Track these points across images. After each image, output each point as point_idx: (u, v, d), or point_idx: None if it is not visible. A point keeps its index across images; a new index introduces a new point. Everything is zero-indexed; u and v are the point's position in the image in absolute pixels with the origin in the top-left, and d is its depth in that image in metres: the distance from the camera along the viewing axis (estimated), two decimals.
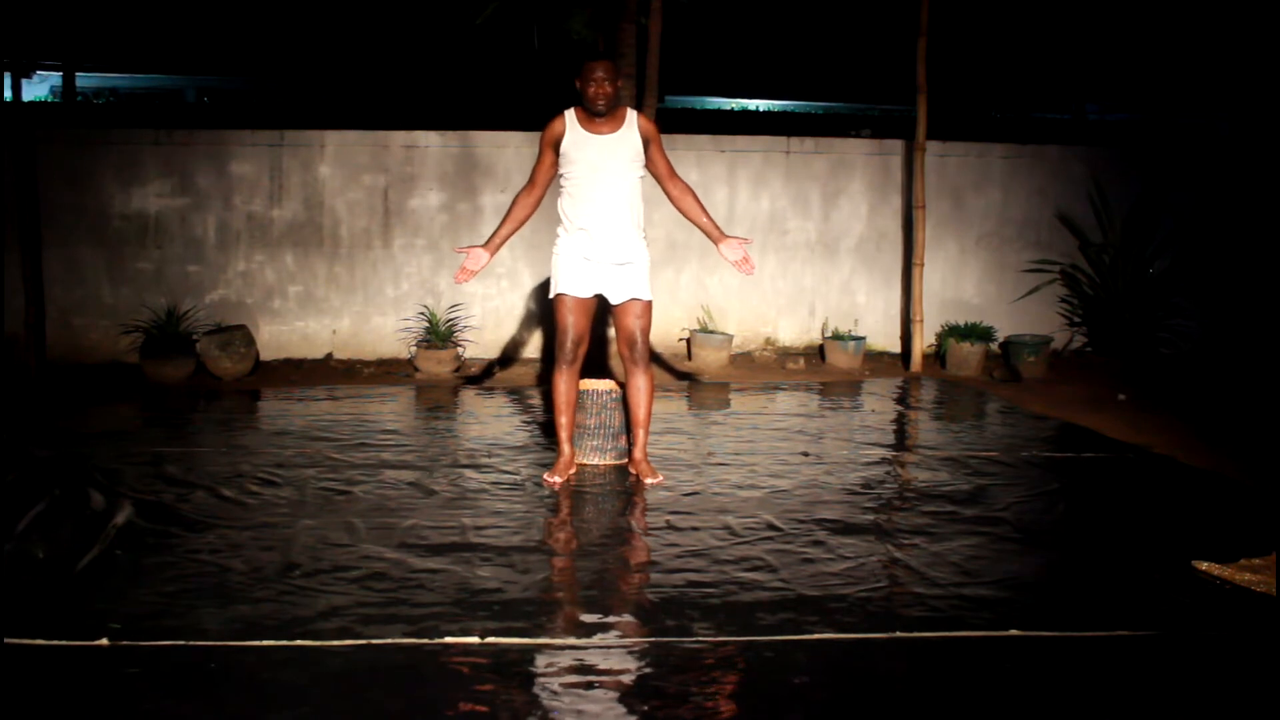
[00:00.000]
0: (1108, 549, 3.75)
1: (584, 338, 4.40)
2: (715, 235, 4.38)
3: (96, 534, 3.63)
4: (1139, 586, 3.39)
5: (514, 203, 4.40)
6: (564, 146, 4.26)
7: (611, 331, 6.76)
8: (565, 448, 4.51)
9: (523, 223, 4.42)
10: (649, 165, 4.36)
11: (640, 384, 4.42)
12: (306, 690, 2.61)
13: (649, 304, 4.38)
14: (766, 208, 7.64)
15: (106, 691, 2.60)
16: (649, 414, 4.48)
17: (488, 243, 4.38)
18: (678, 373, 7.08)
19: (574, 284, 4.32)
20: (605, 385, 4.80)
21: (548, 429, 5.34)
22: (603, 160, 4.25)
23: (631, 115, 4.32)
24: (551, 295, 4.41)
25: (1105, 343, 7.66)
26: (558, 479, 4.42)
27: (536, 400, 6.14)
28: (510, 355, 7.39)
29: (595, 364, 6.79)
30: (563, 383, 4.41)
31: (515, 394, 6.32)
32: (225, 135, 7.18)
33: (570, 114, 4.31)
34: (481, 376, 6.93)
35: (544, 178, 4.36)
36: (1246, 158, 8.02)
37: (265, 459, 4.72)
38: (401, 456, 4.83)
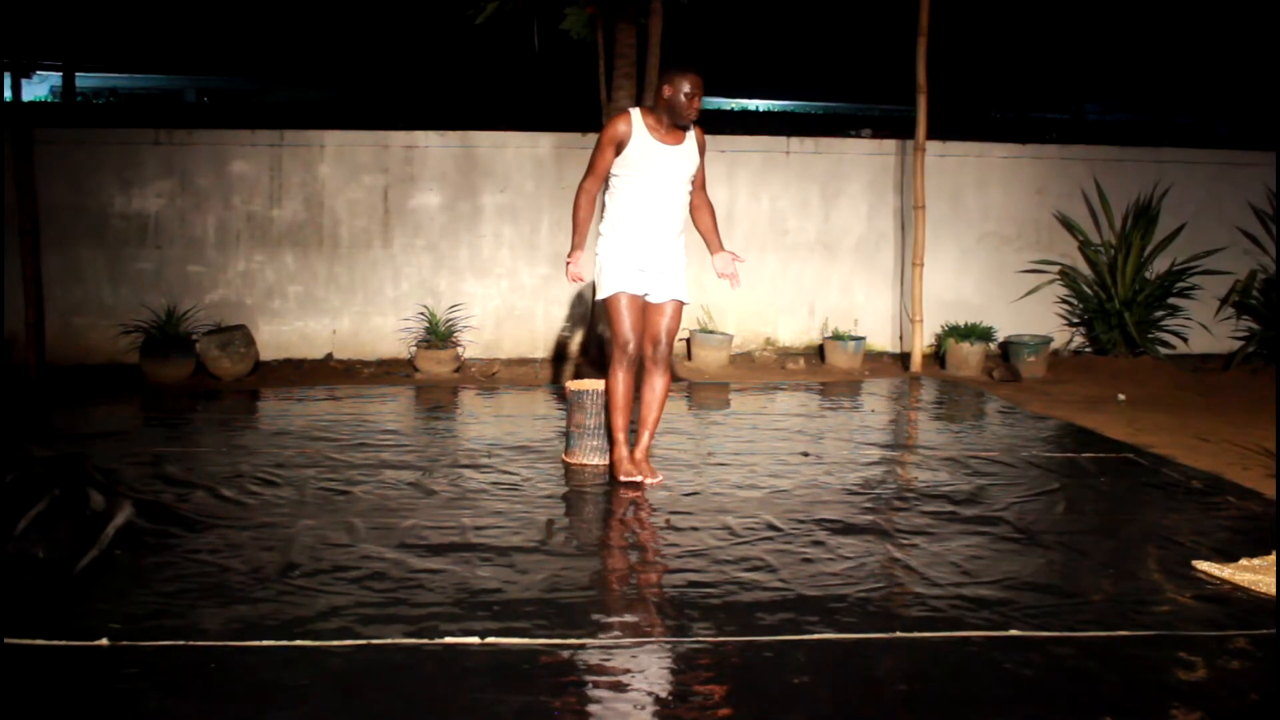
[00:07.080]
0: (1108, 549, 3.75)
1: (642, 335, 4.39)
2: (714, 246, 4.46)
3: (96, 534, 3.62)
4: (1139, 586, 3.39)
5: (581, 198, 4.30)
6: (629, 151, 4.21)
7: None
8: (624, 450, 4.44)
9: (592, 215, 4.37)
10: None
11: (657, 384, 4.44)
12: (306, 690, 2.61)
13: (682, 306, 4.43)
14: (766, 208, 7.64)
15: (106, 691, 2.60)
16: (659, 417, 4.49)
17: (576, 247, 4.32)
18: (678, 372, 7.07)
19: (629, 283, 4.31)
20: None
21: (548, 429, 5.35)
22: (668, 171, 4.24)
23: (690, 127, 4.30)
24: (603, 296, 4.37)
25: (1105, 343, 7.65)
26: (639, 476, 4.39)
27: (537, 400, 6.14)
28: (510, 355, 7.38)
29: (596, 364, 6.79)
30: (622, 383, 4.36)
31: (515, 394, 6.32)
32: (225, 135, 7.17)
33: (637, 115, 4.25)
34: (481, 377, 6.93)
35: (605, 172, 4.30)
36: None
37: (265, 459, 4.72)
38: (401, 456, 4.83)
